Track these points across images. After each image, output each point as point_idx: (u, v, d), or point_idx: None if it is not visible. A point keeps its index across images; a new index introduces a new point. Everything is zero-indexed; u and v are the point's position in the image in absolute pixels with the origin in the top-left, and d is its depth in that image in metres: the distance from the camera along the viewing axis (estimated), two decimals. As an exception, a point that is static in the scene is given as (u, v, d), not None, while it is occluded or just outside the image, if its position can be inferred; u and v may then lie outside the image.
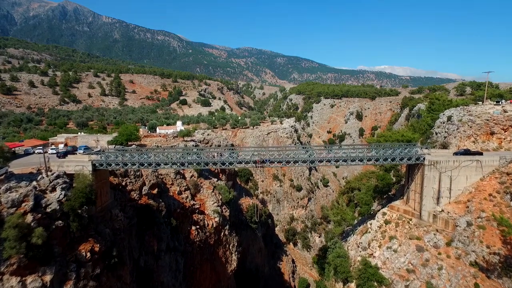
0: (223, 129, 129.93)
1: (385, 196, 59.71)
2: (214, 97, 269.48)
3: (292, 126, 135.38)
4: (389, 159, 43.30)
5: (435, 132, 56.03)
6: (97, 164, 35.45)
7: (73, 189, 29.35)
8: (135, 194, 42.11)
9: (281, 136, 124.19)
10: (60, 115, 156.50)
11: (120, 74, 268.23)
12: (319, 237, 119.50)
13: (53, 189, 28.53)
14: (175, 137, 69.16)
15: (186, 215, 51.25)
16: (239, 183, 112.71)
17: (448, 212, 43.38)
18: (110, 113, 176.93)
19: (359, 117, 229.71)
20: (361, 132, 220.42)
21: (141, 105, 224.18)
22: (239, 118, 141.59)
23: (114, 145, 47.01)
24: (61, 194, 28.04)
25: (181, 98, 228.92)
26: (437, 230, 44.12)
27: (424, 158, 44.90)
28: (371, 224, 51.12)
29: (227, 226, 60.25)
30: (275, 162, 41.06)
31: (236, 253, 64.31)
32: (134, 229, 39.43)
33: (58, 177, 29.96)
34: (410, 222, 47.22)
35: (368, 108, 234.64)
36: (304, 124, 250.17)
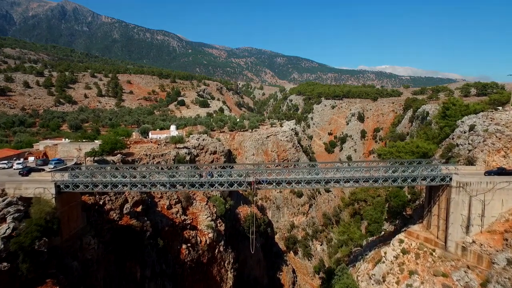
0: (220, 132, 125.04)
1: (398, 216, 53.53)
2: (213, 98, 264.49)
3: (292, 129, 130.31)
4: (409, 180, 37.33)
5: (456, 144, 49.12)
6: (62, 186, 30.12)
7: (26, 220, 24.30)
8: (114, 214, 37.01)
9: (281, 140, 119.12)
10: (54, 116, 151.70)
11: (118, 75, 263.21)
12: (321, 245, 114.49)
13: (3, 220, 23.58)
14: (167, 144, 64.09)
15: (176, 233, 46.19)
16: (236, 189, 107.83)
17: (481, 245, 36.72)
18: (106, 114, 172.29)
19: (361, 118, 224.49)
20: (363, 134, 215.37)
21: (138, 106, 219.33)
22: (238, 120, 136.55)
23: (93, 157, 41.68)
24: (9, 228, 23.04)
25: (179, 99, 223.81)
26: (468, 267, 36.92)
27: (450, 179, 38.42)
28: (385, 252, 44.49)
29: (222, 242, 55.25)
30: (274, 184, 36.18)
31: (232, 270, 59.27)
32: (112, 255, 34.41)
33: (9, 204, 24.89)
34: (434, 253, 40.28)
35: (370, 109, 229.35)
36: (305, 126, 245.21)
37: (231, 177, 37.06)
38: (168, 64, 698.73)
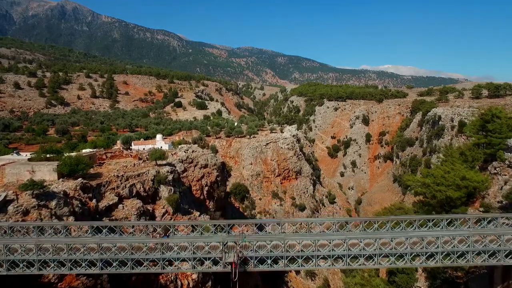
0: (216, 138, 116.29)
1: (441, 276, 41.29)
2: (212, 99, 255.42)
3: (294, 136, 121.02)
4: (486, 255, 24.77)
5: (520, 175, 38.36)
6: None
7: None
8: (51, 274, 27.94)
9: (282, 147, 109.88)
10: (44, 119, 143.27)
11: (114, 75, 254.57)
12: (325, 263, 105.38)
13: None
14: (147, 160, 55.02)
15: (149, 280, 37.10)
16: (233, 202, 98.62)
17: None
18: (98, 117, 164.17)
19: (366, 121, 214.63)
20: (368, 137, 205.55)
21: (133, 107, 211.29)
22: (235, 125, 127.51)
23: (32, 191, 31.53)
24: None
25: (177, 100, 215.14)
26: None
27: None
28: None
29: (210, 282, 46.15)
30: (268, 261, 25.97)
31: (222, 311, 50.07)
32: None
33: None
34: None
35: (375, 112, 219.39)
36: (306, 129, 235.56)
37: (208, 244, 26.15)
38: (168, 64, 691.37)
